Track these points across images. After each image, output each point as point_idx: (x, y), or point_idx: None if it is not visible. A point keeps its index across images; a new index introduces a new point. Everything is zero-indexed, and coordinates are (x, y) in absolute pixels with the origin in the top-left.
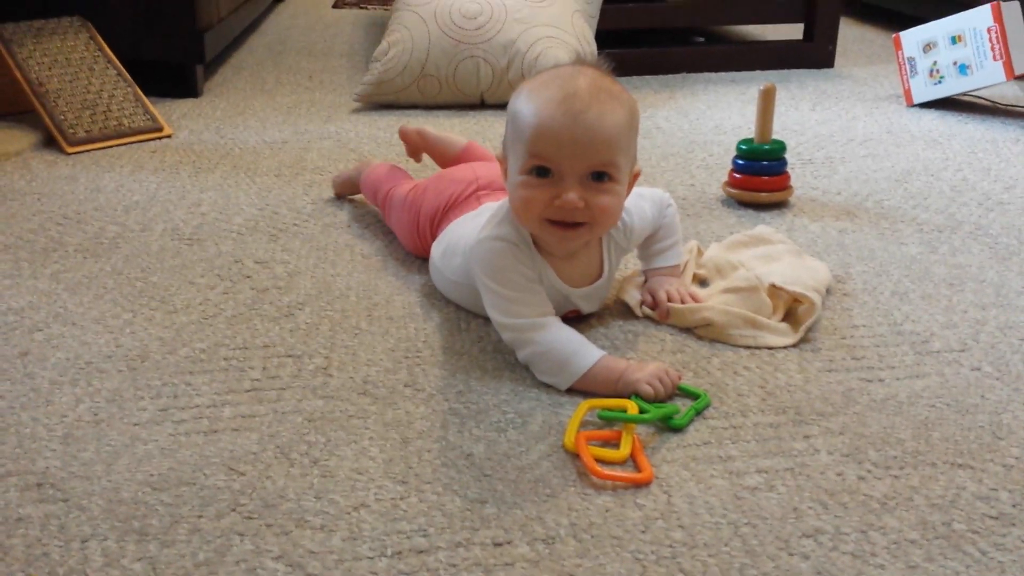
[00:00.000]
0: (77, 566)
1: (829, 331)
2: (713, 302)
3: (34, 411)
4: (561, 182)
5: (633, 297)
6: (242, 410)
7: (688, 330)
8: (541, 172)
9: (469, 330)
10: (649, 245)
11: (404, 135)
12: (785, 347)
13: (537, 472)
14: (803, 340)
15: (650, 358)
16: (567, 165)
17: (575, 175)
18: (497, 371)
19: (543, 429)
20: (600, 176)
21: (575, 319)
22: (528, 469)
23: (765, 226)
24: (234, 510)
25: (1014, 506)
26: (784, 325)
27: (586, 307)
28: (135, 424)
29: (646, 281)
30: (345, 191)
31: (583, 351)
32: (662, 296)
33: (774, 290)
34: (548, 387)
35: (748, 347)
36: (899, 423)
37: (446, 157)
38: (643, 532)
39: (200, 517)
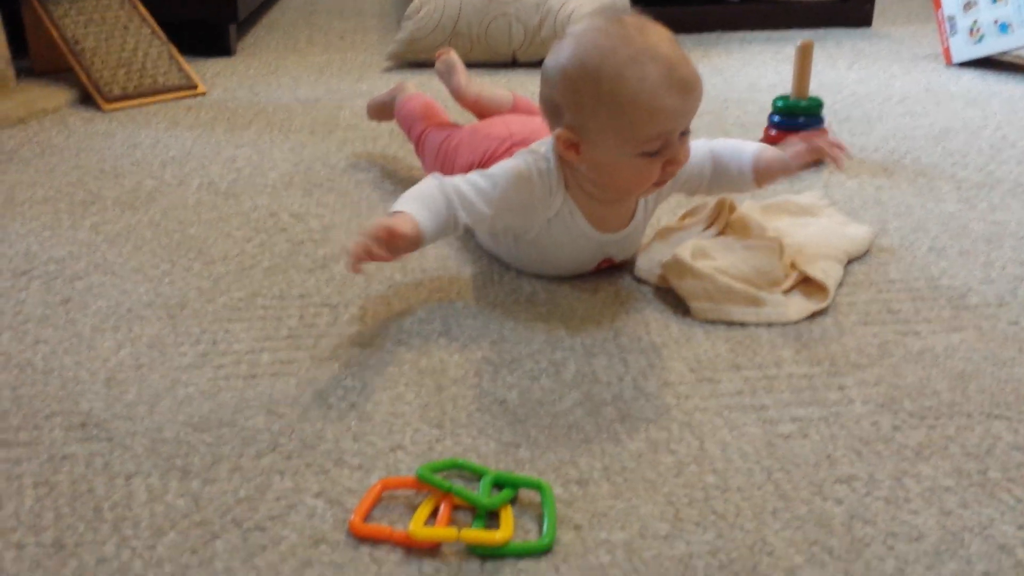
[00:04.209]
0: (122, 501)
1: (865, 285)
2: (729, 259)
3: (77, 356)
4: (668, 148)
5: (646, 260)
6: (280, 356)
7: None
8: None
9: (502, 282)
10: (726, 171)
11: (460, 98)
12: (784, 324)
13: (571, 419)
14: (838, 293)
15: (668, 316)
16: (677, 132)
17: (678, 136)
18: (530, 322)
19: (576, 378)
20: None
21: (608, 270)
22: (561, 415)
23: (812, 193)
24: (274, 450)
25: None
26: (786, 300)
27: (619, 254)
28: (176, 368)
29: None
30: (379, 116)
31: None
32: (810, 144)
33: (793, 268)
34: (583, 338)
35: (746, 323)
36: (935, 375)
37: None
38: (676, 476)
39: (241, 456)
